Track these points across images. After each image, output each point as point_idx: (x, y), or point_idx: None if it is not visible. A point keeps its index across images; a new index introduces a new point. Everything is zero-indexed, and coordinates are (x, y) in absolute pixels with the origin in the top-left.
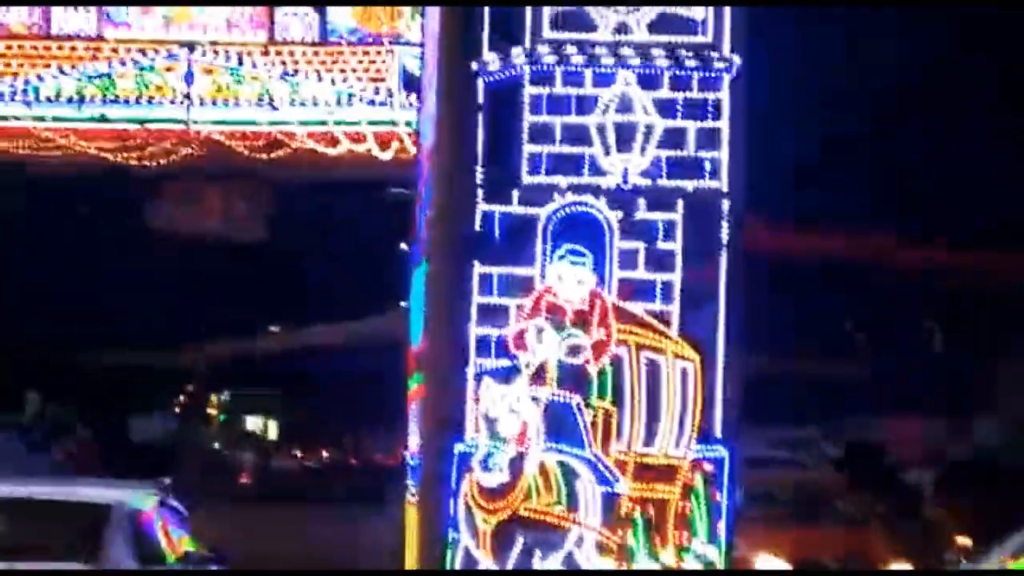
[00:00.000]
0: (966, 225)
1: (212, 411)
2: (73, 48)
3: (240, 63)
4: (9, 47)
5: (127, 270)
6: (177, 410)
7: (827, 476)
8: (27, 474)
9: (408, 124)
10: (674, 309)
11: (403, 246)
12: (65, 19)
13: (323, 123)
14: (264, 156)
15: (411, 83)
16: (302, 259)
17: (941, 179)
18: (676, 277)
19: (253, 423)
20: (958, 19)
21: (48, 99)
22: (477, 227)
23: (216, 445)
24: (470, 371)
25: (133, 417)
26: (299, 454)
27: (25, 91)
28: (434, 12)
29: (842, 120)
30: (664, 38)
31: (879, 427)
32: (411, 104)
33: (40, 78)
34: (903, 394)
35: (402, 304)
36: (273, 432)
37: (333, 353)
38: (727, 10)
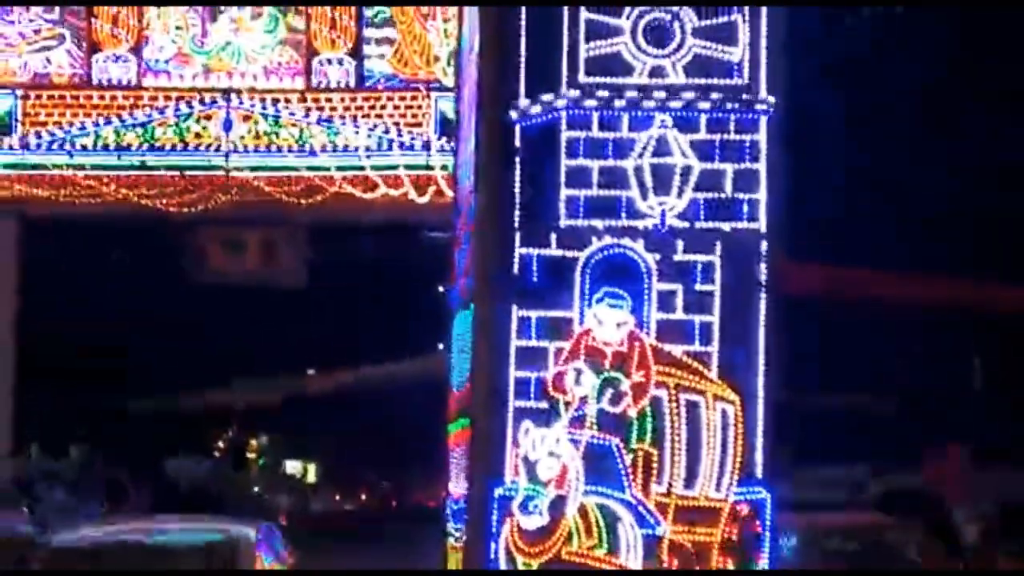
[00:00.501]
0: (1012, 261)
1: (251, 454)
2: (113, 97)
3: (278, 110)
4: (51, 97)
5: (166, 315)
6: (216, 453)
7: (885, 521)
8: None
9: (444, 168)
10: (713, 350)
11: (440, 288)
12: (105, 68)
13: (360, 168)
14: (302, 201)
15: (447, 127)
16: (339, 302)
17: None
18: (715, 318)
19: (292, 466)
20: (994, 57)
21: (88, 147)
22: (515, 271)
23: (256, 488)
24: (509, 414)
25: (172, 460)
26: (338, 497)
27: (66, 140)
28: (471, 57)
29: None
30: (700, 81)
31: (925, 467)
32: (447, 148)
33: (81, 127)
34: (948, 433)
35: (440, 346)
36: (312, 475)
37: (371, 395)
38: (763, 51)
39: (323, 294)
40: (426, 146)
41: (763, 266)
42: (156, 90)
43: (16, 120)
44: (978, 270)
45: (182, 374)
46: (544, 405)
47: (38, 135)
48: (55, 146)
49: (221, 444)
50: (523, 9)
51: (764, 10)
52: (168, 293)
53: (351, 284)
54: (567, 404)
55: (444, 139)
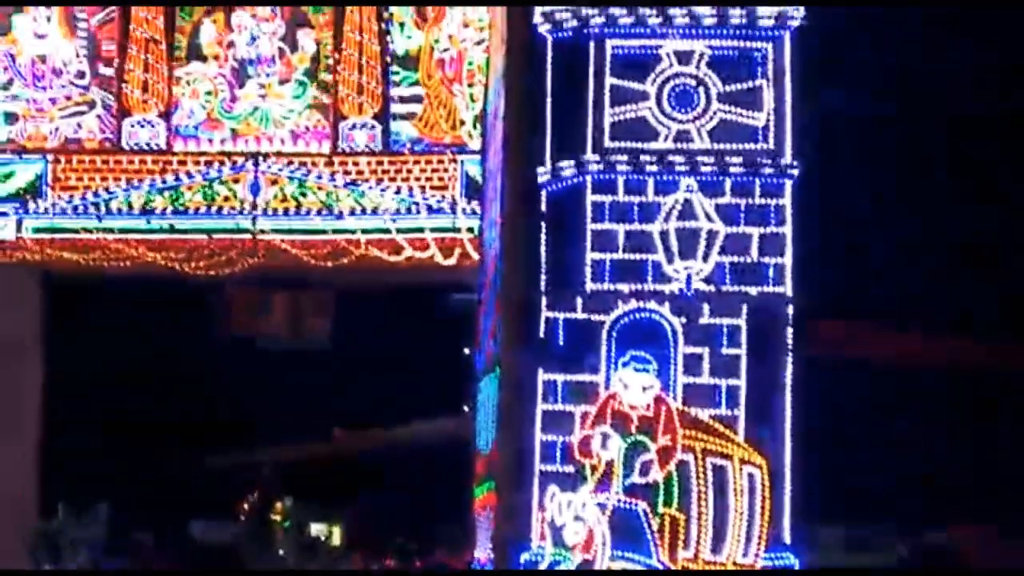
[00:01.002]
0: None
1: (276, 516)
2: (143, 161)
3: (305, 173)
4: (81, 161)
5: (192, 375)
6: (241, 516)
7: None
8: None
9: (470, 231)
10: (740, 414)
11: (466, 350)
12: (135, 133)
13: (386, 231)
14: (328, 264)
15: (473, 190)
16: (364, 363)
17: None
18: (741, 382)
19: (317, 529)
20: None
21: (117, 211)
22: (541, 334)
23: (280, 551)
24: (535, 478)
25: (197, 522)
26: (363, 558)
27: (95, 204)
28: (497, 122)
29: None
30: (726, 146)
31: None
32: (473, 211)
33: (110, 191)
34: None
35: (465, 408)
36: (337, 537)
37: (397, 457)
38: (788, 117)
39: (348, 355)
40: (452, 209)
41: (789, 330)
42: (185, 154)
43: (46, 184)
44: (1009, 330)
45: (207, 435)
46: (570, 469)
47: (68, 199)
48: (84, 210)
49: (246, 506)
50: (549, 74)
51: (788, 76)
52: (194, 354)
53: (376, 345)
54: (593, 468)
55: (470, 202)
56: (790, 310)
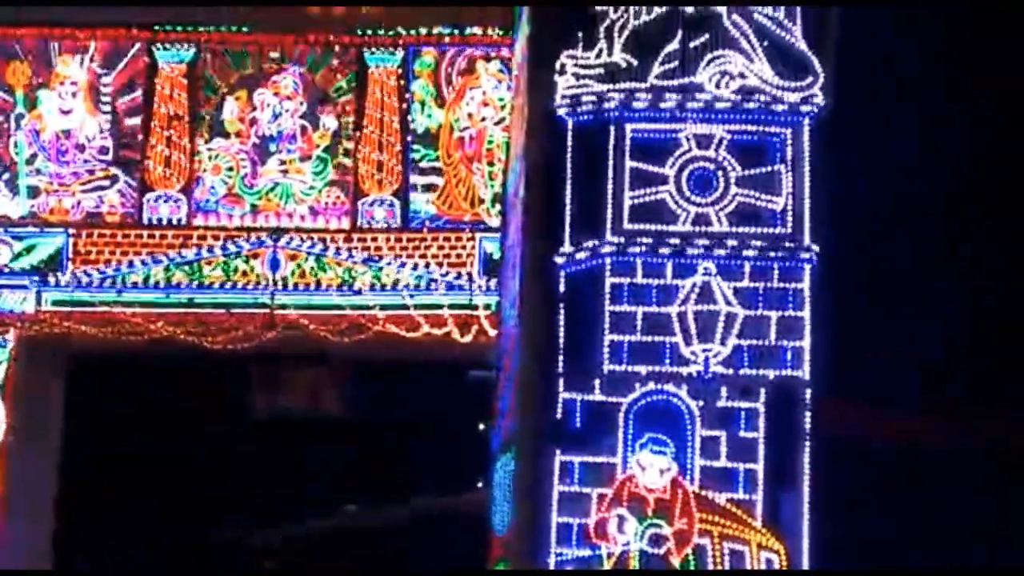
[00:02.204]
0: None
1: None
2: (163, 236)
3: (324, 249)
4: (102, 235)
5: (208, 450)
6: None
7: None
8: None
9: (488, 308)
10: (757, 498)
11: (481, 426)
12: (156, 208)
13: (404, 307)
14: (346, 340)
15: (491, 267)
16: (381, 437)
17: None
18: (759, 466)
19: None
20: None
21: (137, 285)
22: (558, 415)
23: None
24: (551, 561)
25: None
26: None
27: (115, 278)
28: (516, 201)
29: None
30: (744, 229)
31: None
32: (491, 288)
33: (130, 265)
34: None
35: (479, 484)
36: None
37: (411, 532)
38: (807, 201)
39: (363, 430)
40: (470, 285)
41: (807, 413)
42: (205, 229)
43: (67, 258)
44: None
45: (219, 508)
46: (587, 552)
47: (88, 273)
48: (104, 284)
49: None
50: (568, 156)
51: (807, 161)
52: (210, 429)
53: (391, 420)
54: (610, 551)
55: (488, 279)
56: (808, 393)
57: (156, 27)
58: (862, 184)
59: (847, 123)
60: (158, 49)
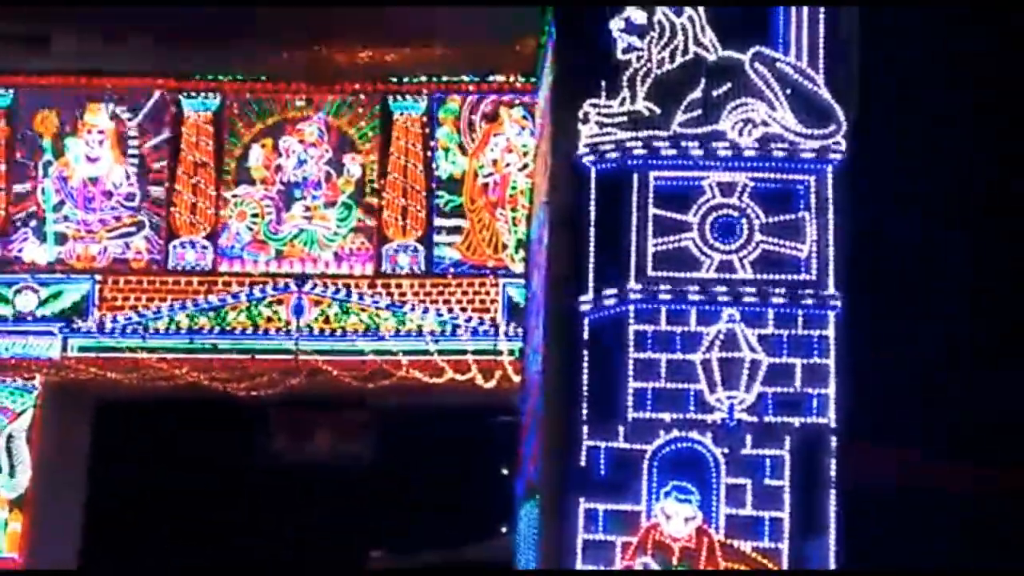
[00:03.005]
0: None
1: None
2: (188, 282)
3: (348, 295)
4: (128, 282)
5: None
6: None
7: None
8: None
9: (512, 353)
10: (783, 546)
11: (504, 471)
12: (181, 254)
13: (427, 353)
14: (369, 385)
15: (515, 313)
16: (404, 483)
17: None
18: (784, 514)
19: None
20: None
21: (162, 331)
22: (583, 463)
23: None
24: None
25: None
26: None
27: (140, 324)
28: (540, 248)
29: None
30: (768, 276)
31: None
32: (515, 334)
33: (156, 311)
34: None
35: (503, 531)
36: None
37: None
38: (831, 248)
39: (387, 476)
40: (494, 331)
41: (833, 460)
42: (230, 275)
43: (93, 304)
44: None
45: (246, 555)
46: None
47: (114, 319)
48: (129, 330)
49: None
50: (592, 203)
51: (831, 208)
52: (235, 475)
53: (414, 466)
54: None
55: (512, 325)
56: (834, 441)
57: (183, 75)
58: (886, 228)
59: (872, 169)
60: (185, 97)
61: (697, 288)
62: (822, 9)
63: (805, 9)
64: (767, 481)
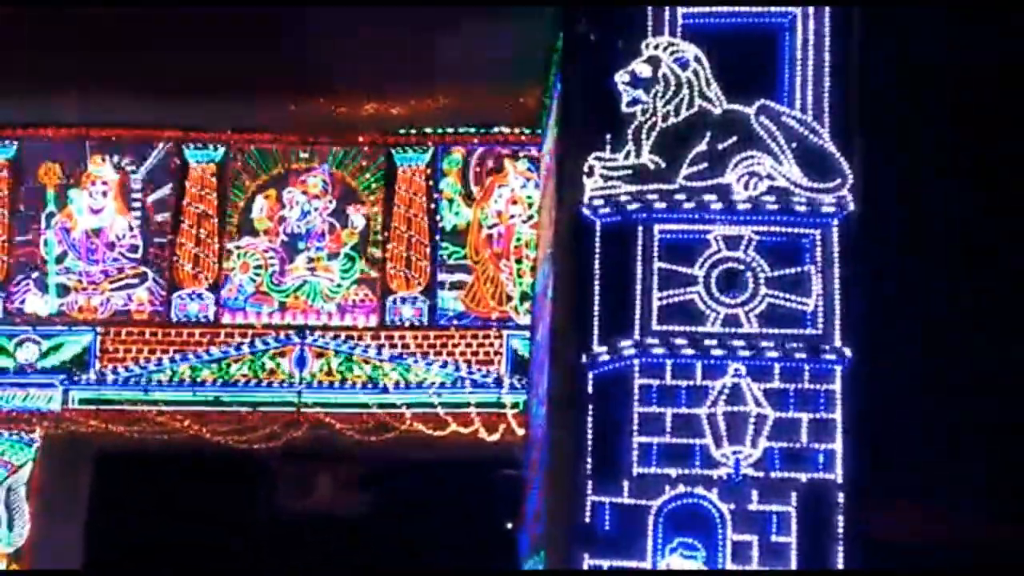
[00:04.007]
0: None
1: None
2: (191, 334)
3: (351, 347)
4: (130, 333)
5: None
6: None
7: None
8: None
9: (516, 406)
10: None
11: (508, 526)
12: (184, 306)
13: (431, 406)
14: (372, 438)
15: (519, 366)
16: (407, 537)
17: None
18: (792, 569)
19: None
20: None
21: (164, 383)
22: (587, 518)
23: None
24: None
25: None
26: None
27: (142, 376)
28: (545, 301)
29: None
30: (774, 330)
31: None
32: (519, 387)
33: (158, 363)
34: None
35: None
36: None
37: None
38: (837, 302)
39: (390, 529)
40: (497, 384)
41: (840, 517)
42: (233, 327)
43: (95, 356)
44: None
45: None
46: None
47: (115, 371)
48: (131, 382)
49: None
50: (597, 256)
51: (836, 262)
52: (236, 528)
53: (418, 520)
54: None
55: (516, 377)
56: (840, 496)
57: (187, 127)
58: (891, 283)
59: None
60: (188, 148)
61: (703, 342)
62: (827, 63)
63: (811, 63)
64: (774, 537)
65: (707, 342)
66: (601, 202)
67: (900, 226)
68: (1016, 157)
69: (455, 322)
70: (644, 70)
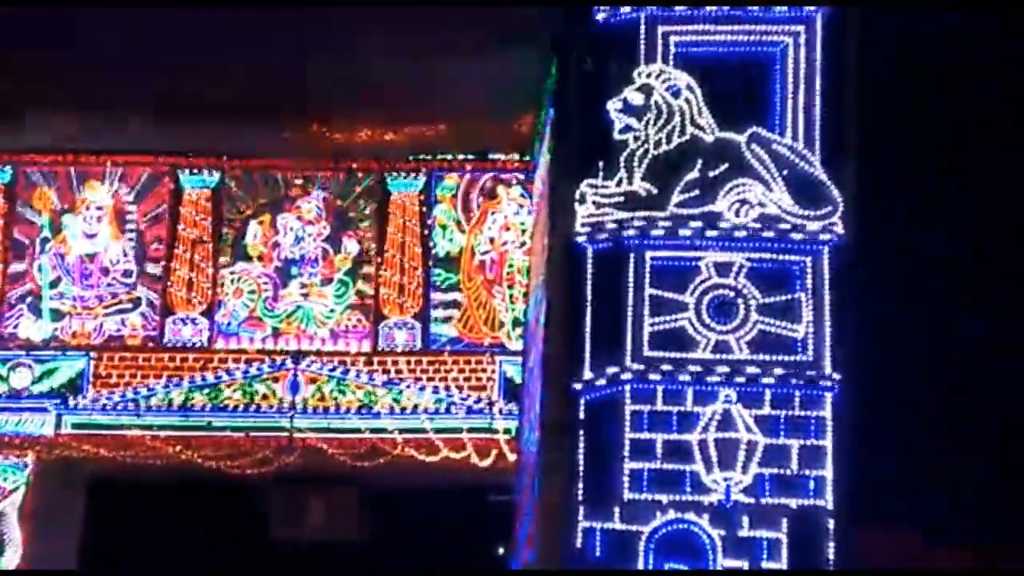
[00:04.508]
0: None
1: None
2: (184, 359)
3: (344, 372)
4: (123, 358)
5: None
6: None
7: None
8: None
9: (508, 432)
10: None
11: (500, 551)
12: (177, 331)
13: (423, 431)
14: (364, 464)
15: (511, 391)
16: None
17: None
18: None
19: None
20: None
21: (156, 408)
22: (578, 544)
23: None
24: None
25: None
26: None
27: (135, 400)
28: (537, 328)
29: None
30: (764, 357)
31: None
32: (511, 412)
33: (150, 388)
34: None
35: None
36: None
37: None
38: (827, 329)
39: (381, 555)
40: (490, 409)
41: (831, 544)
42: (226, 352)
43: (87, 381)
44: None
45: None
46: None
47: (108, 395)
48: (123, 406)
49: None
50: (589, 282)
51: (827, 289)
52: (229, 553)
53: (409, 545)
54: None
55: (508, 402)
56: (831, 523)
57: (182, 152)
58: (882, 309)
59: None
60: (183, 174)
61: (693, 368)
62: (818, 90)
63: (802, 90)
64: (764, 563)
65: (698, 368)
66: (593, 229)
67: (892, 252)
68: (1012, 182)
69: (448, 348)
70: (636, 98)
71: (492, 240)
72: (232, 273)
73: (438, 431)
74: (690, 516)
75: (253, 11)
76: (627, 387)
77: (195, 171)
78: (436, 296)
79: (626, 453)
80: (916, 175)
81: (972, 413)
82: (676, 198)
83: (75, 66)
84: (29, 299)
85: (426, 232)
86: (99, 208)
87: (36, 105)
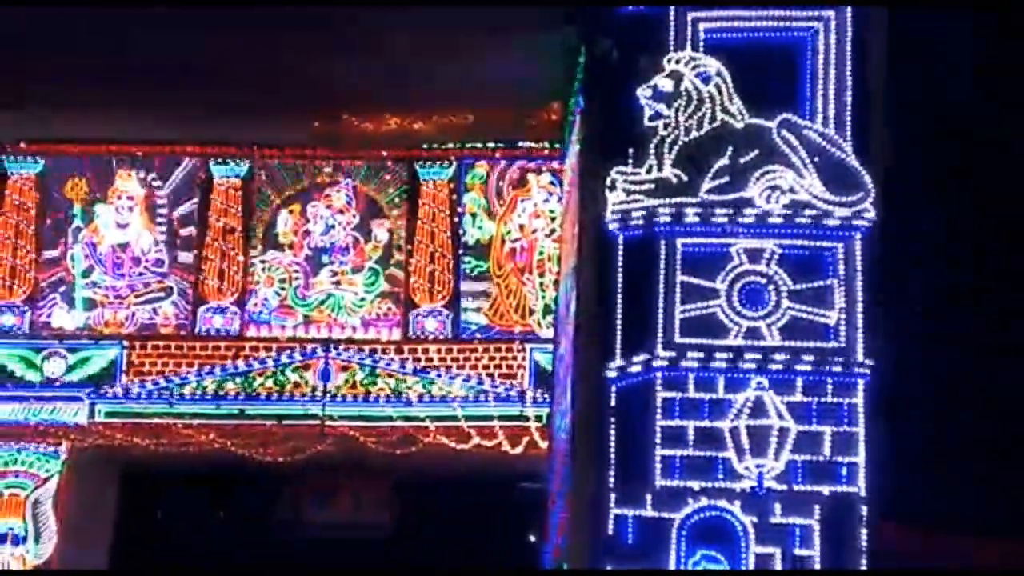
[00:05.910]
0: None
1: None
2: (216, 347)
3: (375, 360)
4: (155, 347)
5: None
6: None
7: None
8: None
9: (539, 419)
10: None
11: (531, 538)
12: (209, 320)
13: (454, 419)
14: (396, 452)
15: (542, 379)
16: (430, 550)
17: None
18: None
19: None
20: None
21: (189, 396)
22: (610, 532)
23: None
24: None
25: None
26: None
27: (168, 389)
28: (568, 316)
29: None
30: (796, 343)
31: None
32: (542, 399)
33: (183, 377)
34: None
35: None
36: None
37: None
38: (859, 315)
39: (413, 542)
40: (520, 397)
41: (863, 531)
42: (258, 341)
43: (121, 370)
44: None
45: None
46: None
47: (141, 384)
48: (156, 395)
49: None
50: (619, 270)
51: (859, 275)
52: (260, 539)
53: (441, 533)
54: None
55: (539, 390)
56: (864, 510)
57: (212, 142)
58: (915, 296)
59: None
60: (214, 164)
61: (725, 355)
62: (849, 76)
63: (832, 76)
64: (797, 550)
65: (729, 355)
66: (624, 216)
67: (924, 238)
68: None
69: (478, 336)
70: (666, 84)
71: (522, 228)
72: (263, 262)
73: (469, 419)
74: (722, 503)
75: (283, 6)
76: (658, 374)
77: (225, 161)
78: (466, 284)
79: (658, 440)
80: (950, 160)
81: (1006, 399)
82: (707, 185)
83: (106, 60)
84: (62, 288)
85: (456, 220)
86: (130, 198)
87: (68, 97)
